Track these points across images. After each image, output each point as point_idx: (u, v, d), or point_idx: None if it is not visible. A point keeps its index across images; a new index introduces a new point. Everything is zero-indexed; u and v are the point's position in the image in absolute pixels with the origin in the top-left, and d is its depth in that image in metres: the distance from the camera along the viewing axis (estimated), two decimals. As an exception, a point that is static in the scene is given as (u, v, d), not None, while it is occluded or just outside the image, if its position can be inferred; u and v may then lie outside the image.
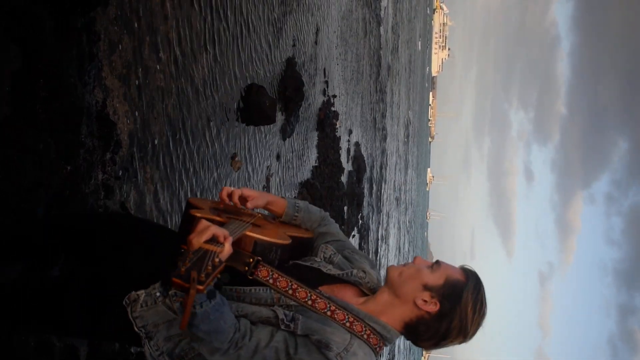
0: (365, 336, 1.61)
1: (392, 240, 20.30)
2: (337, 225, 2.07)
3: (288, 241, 1.75)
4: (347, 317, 1.62)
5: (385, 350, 16.99)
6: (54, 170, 2.47)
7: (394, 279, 1.69)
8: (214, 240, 1.41)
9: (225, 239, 1.43)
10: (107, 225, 1.97)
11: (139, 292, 1.49)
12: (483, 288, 1.67)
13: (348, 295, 1.73)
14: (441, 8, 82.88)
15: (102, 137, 2.85)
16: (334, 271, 1.77)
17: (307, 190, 7.57)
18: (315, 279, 1.72)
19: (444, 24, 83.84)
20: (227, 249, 1.41)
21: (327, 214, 2.09)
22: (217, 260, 1.32)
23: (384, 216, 17.63)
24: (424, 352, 68.82)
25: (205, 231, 1.42)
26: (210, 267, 1.29)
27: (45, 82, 2.42)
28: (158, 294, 1.45)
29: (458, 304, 1.62)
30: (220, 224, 1.65)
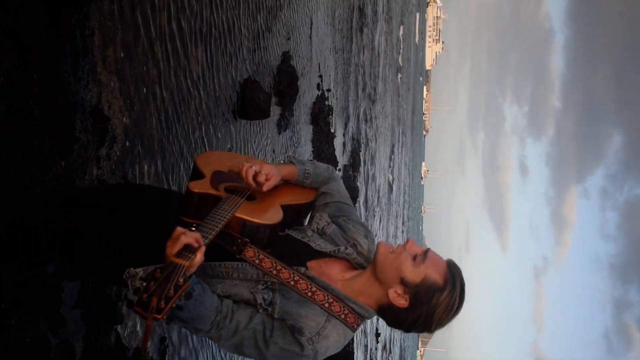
0: (343, 316, 1.69)
1: (386, 234, 20.33)
2: (340, 182, 2.10)
3: (277, 221, 1.80)
4: (326, 297, 1.69)
5: (381, 344, 17.04)
6: (48, 167, 2.46)
7: (378, 260, 1.72)
8: (187, 248, 1.45)
9: (198, 246, 1.46)
10: (109, 220, 1.98)
11: (137, 270, 1.54)
12: (459, 291, 1.69)
13: (335, 270, 1.79)
14: (435, 1, 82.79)
15: (96, 133, 2.84)
16: (323, 247, 1.82)
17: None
18: (304, 253, 1.79)
19: (437, 17, 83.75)
20: (199, 258, 1.45)
21: (333, 170, 2.10)
22: (181, 280, 1.36)
23: (379, 210, 17.65)
24: (420, 346, 69.06)
25: (177, 241, 1.44)
26: (172, 291, 1.33)
27: (39, 78, 2.41)
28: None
29: (427, 305, 1.67)
30: (216, 199, 1.75)
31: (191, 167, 2.00)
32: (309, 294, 1.68)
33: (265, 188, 1.85)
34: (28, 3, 2.32)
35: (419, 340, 68.09)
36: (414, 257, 1.69)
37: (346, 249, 1.83)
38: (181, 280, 1.36)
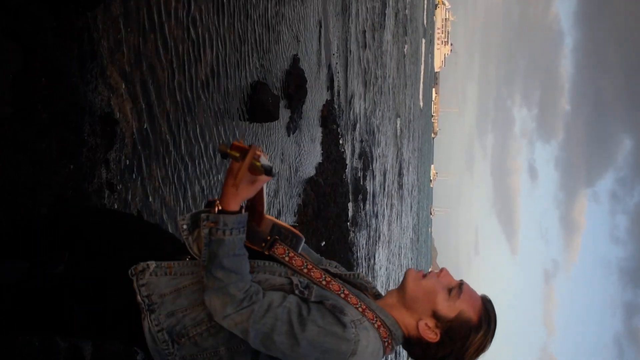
0: (376, 325, 1.57)
1: (396, 236, 20.28)
2: None
3: (303, 237, 1.73)
4: (359, 303, 1.58)
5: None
6: (56, 170, 2.46)
7: (409, 288, 1.62)
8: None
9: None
10: (109, 221, 1.97)
11: (149, 262, 1.53)
12: (493, 331, 1.60)
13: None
14: (443, 3, 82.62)
15: (105, 136, 2.84)
16: (341, 271, 1.74)
17: (311, 188, 7.56)
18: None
19: (446, 19, 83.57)
20: (265, 158, 1.46)
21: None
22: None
23: (387, 211, 17.61)
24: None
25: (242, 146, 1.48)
26: (258, 151, 1.40)
27: (47, 81, 2.40)
28: (185, 226, 1.54)
29: (460, 342, 1.58)
30: None
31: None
32: (342, 295, 1.58)
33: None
34: (28, 3, 2.31)
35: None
36: (449, 290, 1.60)
37: (364, 277, 1.74)
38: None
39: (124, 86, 3.04)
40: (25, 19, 2.30)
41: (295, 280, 1.56)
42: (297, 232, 1.70)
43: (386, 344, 1.59)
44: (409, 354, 1.68)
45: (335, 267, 1.79)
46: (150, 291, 1.52)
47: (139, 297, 1.52)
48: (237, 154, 1.40)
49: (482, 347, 1.59)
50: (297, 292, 1.53)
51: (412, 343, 1.63)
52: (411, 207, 30.63)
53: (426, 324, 1.59)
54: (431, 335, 1.58)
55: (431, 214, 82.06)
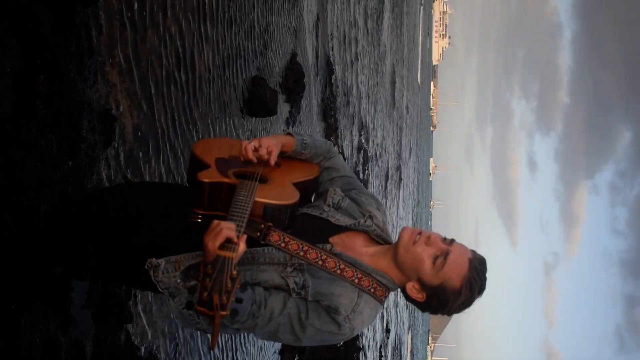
0: (372, 290, 1.71)
1: (396, 230, 20.29)
2: (341, 157, 2.09)
3: (296, 199, 1.78)
4: (355, 273, 1.70)
5: (392, 335, 17.04)
6: (56, 167, 2.46)
7: (399, 253, 1.72)
8: (228, 241, 1.44)
9: (239, 238, 1.47)
10: (113, 204, 1.99)
11: (159, 261, 1.61)
12: (477, 294, 1.70)
13: (358, 243, 1.80)
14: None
15: (104, 132, 2.84)
16: (342, 221, 1.82)
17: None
18: (325, 229, 1.79)
19: (443, 12, 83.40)
20: (242, 248, 1.45)
21: (331, 144, 2.09)
22: (234, 272, 1.36)
23: (387, 205, 17.62)
24: (430, 341, 69.03)
25: (219, 234, 1.44)
26: (229, 284, 1.32)
27: (46, 78, 2.40)
28: (179, 280, 1.59)
29: (443, 304, 1.72)
30: (228, 187, 1.71)
31: (189, 157, 1.96)
32: (338, 271, 1.69)
33: (272, 160, 1.82)
34: (30, 3, 2.31)
35: (429, 336, 68.05)
36: (435, 259, 1.66)
37: (365, 221, 1.83)
38: (234, 272, 1.36)
39: (122, 82, 3.04)
40: (24, 17, 2.30)
41: (291, 283, 1.66)
42: (287, 202, 1.74)
43: (383, 299, 1.76)
44: (404, 297, 1.81)
45: (338, 202, 1.88)
46: (168, 285, 1.63)
47: (159, 289, 1.63)
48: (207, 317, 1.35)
49: (465, 306, 1.73)
50: (294, 295, 1.65)
51: (405, 294, 1.78)
52: (410, 200, 30.64)
53: (413, 286, 1.72)
54: (418, 295, 1.73)
55: (431, 207, 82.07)
